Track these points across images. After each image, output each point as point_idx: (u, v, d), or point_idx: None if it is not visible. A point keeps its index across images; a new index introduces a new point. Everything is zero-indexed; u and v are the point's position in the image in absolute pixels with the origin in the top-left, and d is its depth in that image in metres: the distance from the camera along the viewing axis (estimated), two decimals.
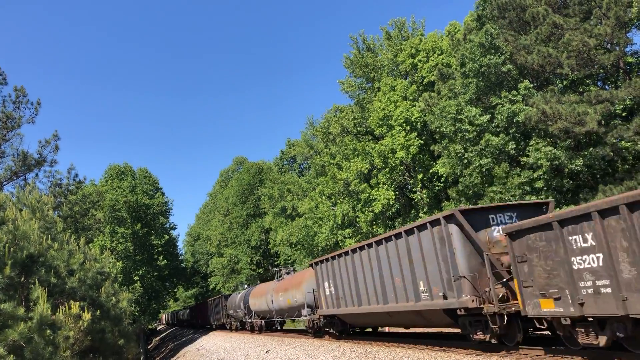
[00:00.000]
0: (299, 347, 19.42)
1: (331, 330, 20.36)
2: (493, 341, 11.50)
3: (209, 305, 48.53)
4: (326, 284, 19.42)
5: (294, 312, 24.72)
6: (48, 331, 9.13)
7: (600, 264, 8.29)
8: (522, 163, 22.72)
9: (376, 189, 31.13)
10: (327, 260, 19.44)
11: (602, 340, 8.62)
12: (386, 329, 25.29)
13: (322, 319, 20.68)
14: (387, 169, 30.28)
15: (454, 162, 25.36)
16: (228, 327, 40.38)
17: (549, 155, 20.89)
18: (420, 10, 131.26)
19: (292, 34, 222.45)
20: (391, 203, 30.64)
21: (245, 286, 39.29)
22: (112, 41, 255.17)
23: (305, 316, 22.26)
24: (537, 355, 10.27)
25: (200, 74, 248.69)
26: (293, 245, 44.29)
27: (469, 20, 28.04)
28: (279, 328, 31.51)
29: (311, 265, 21.54)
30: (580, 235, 8.61)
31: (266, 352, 20.86)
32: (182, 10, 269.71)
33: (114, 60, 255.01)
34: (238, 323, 37.41)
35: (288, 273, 28.54)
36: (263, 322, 31.10)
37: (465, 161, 24.17)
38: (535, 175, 21.70)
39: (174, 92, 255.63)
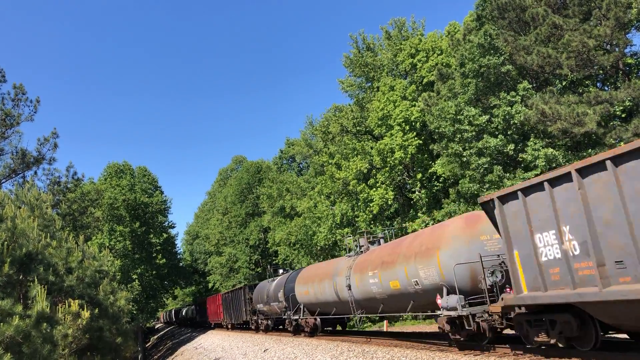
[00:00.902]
0: (297, 346, 19.43)
1: (539, 337, 9.85)
2: None
3: (225, 299, 40.31)
4: (549, 235, 8.99)
5: (407, 301, 14.39)
6: (45, 324, 9.12)
7: None
8: (519, 160, 22.76)
9: (374, 189, 31.16)
10: (559, 180, 8.73)
11: None
12: (384, 328, 25.17)
13: (512, 314, 10.58)
14: (387, 168, 30.31)
15: (453, 163, 25.38)
16: (253, 327, 31.92)
17: (549, 156, 20.94)
18: (420, 10, 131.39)
19: (292, 32, 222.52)
20: (389, 203, 30.67)
21: (281, 271, 30.63)
22: (112, 40, 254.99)
23: (451, 308, 11.89)
24: (540, 356, 10.28)
25: (199, 72, 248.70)
26: (292, 245, 44.31)
27: (468, 21, 28.06)
28: (347, 329, 24.36)
29: (486, 204, 10.73)
30: None
31: (264, 351, 20.86)
32: (181, 8, 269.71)
33: (113, 59, 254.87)
34: (269, 322, 28.89)
35: (374, 242, 18.94)
36: (318, 320, 21.54)
37: (465, 159, 24.22)
38: (529, 175, 21.74)
39: (174, 91, 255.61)
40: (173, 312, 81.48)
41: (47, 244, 11.51)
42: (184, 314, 68.01)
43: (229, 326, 40.29)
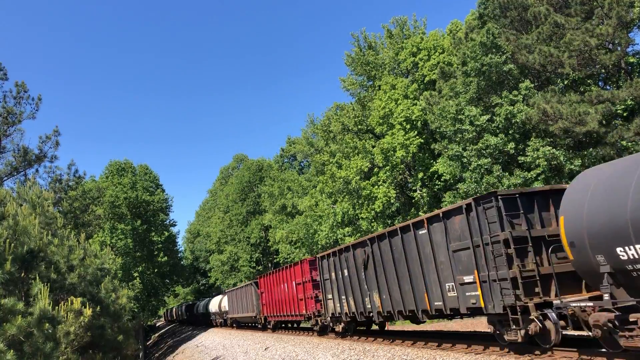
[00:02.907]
0: (298, 344, 19.45)
1: None
2: None
3: (336, 263, 18.16)
4: None
5: None
6: (47, 324, 9.14)
7: None
8: (520, 162, 22.76)
9: (376, 186, 31.17)
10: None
11: None
12: (386, 327, 25.02)
13: None
14: (388, 167, 30.32)
15: (453, 165, 25.35)
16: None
17: (548, 154, 20.92)
18: (421, 9, 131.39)
19: (294, 31, 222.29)
20: (392, 201, 30.68)
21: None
22: (113, 38, 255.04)
23: None
24: (534, 354, 10.28)
25: (201, 70, 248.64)
26: (293, 243, 44.35)
27: (470, 19, 28.05)
28: None
29: None
30: None
31: (265, 349, 20.88)
32: (182, 7, 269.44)
33: (115, 57, 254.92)
34: None
35: None
36: None
37: (465, 160, 24.21)
38: (529, 175, 21.73)
39: (175, 89, 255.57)
40: (183, 307, 66.82)
41: (49, 242, 11.53)
42: (201, 309, 51.98)
43: (342, 332, 18.61)
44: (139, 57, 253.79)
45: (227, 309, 40.19)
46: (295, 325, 28.11)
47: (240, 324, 38.23)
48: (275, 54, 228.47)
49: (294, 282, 23.53)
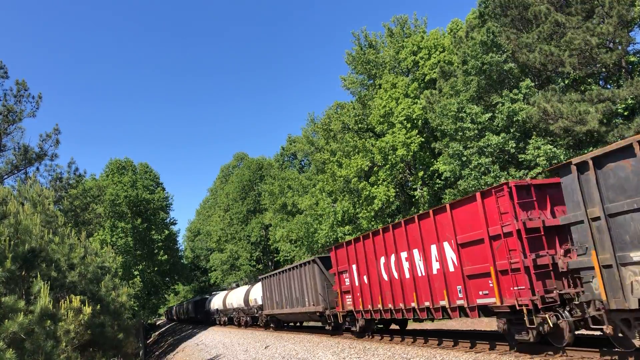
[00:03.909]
0: (298, 342, 19.48)
1: None
2: None
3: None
4: None
5: None
6: (48, 321, 9.16)
7: None
8: (520, 160, 22.74)
9: (376, 186, 31.16)
10: None
11: None
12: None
13: None
14: (388, 166, 30.31)
15: (454, 163, 25.32)
16: None
17: (549, 152, 20.91)
18: (422, 8, 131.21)
19: (294, 29, 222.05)
20: (391, 200, 30.67)
21: None
22: (114, 38, 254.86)
23: None
24: (535, 354, 10.31)
25: (201, 69, 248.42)
26: (293, 242, 44.36)
27: (471, 18, 28.02)
28: None
29: None
30: None
31: (265, 347, 20.92)
32: (182, 7, 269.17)
33: (115, 57, 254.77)
34: None
35: None
36: None
37: (465, 159, 24.18)
38: (530, 174, 21.71)
39: (175, 88, 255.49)
40: (190, 305, 58.52)
41: (50, 240, 11.53)
42: (215, 305, 43.09)
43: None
44: (140, 57, 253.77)
45: (259, 302, 29.91)
46: (384, 326, 18.28)
47: (283, 324, 28.20)
48: (276, 52, 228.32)
49: (445, 244, 12.33)
